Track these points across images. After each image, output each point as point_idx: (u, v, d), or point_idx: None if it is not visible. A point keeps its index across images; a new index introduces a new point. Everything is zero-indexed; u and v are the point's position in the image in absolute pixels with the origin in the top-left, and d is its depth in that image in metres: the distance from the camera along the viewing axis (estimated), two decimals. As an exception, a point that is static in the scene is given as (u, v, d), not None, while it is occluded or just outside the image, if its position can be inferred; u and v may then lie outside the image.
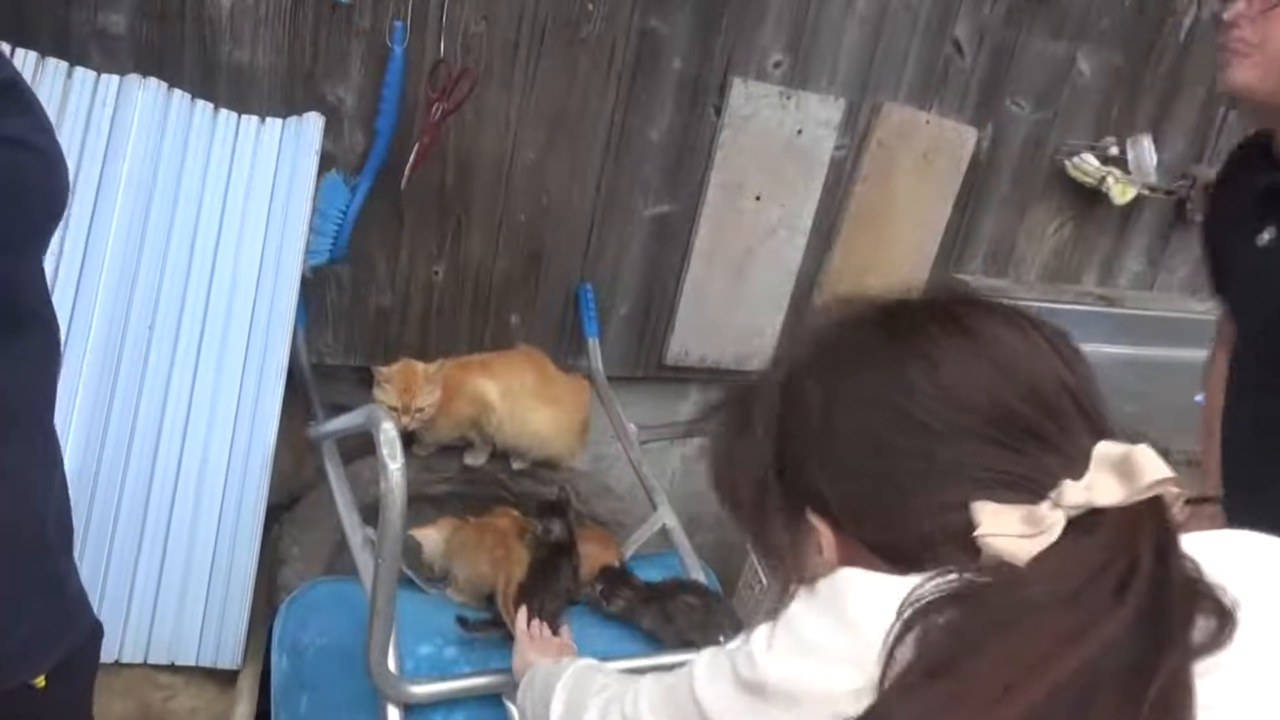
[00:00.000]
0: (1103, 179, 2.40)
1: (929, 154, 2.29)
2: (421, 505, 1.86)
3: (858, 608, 0.60)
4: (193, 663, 1.54)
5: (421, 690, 1.29)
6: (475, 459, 1.90)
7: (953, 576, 0.57)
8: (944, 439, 0.63)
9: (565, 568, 1.52)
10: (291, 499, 1.82)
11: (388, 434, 1.15)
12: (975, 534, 0.59)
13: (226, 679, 1.54)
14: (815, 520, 0.69)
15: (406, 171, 1.84)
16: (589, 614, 1.53)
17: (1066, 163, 2.44)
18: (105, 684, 1.49)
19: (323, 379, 2.03)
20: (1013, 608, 0.55)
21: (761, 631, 0.65)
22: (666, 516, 1.71)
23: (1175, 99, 2.52)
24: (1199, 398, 2.55)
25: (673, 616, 1.46)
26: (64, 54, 1.58)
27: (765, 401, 0.74)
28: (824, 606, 0.62)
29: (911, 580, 0.58)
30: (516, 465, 1.92)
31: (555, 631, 1.48)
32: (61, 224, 1.55)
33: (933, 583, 0.57)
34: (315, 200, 1.77)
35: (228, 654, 1.54)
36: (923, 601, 0.56)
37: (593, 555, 1.60)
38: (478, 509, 1.80)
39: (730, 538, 2.42)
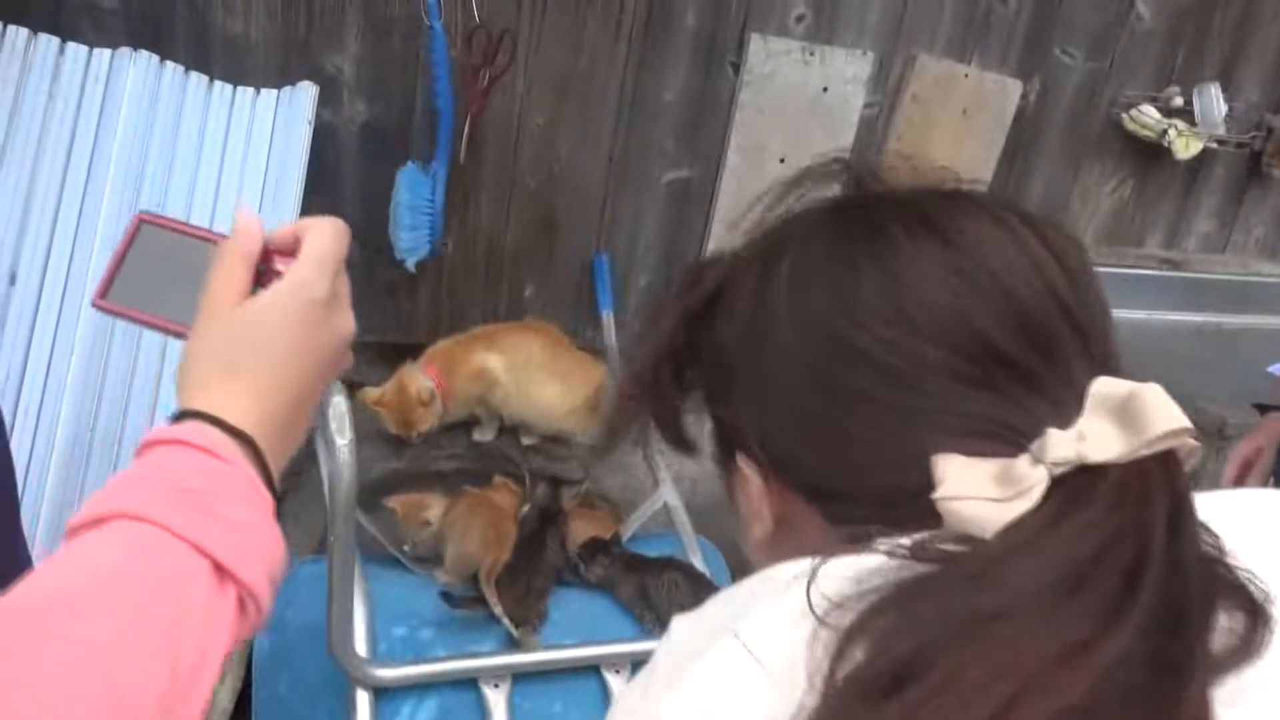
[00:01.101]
0: (1164, 132, 2.22)
1: (969, 110, 2.14)
2: (430, 482, 1.82)
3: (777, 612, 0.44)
4: (186, 639, 1.54)
5: (390, 673, 1.25)
6: (483, 435, 1.86)
7: (903, 558, 0.44)
8: (899, 374, 0.50)
9: (553, 542, 1.46)
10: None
11: (336, 408, 1.09)
12: (934, 495, 0.46)
13: (219, 656, 1.53)
14: (744, 464, 0.56)
15: (463, 146, 1.80)
16: (576, 595, 1.47)
17: (1124, 115, 2.27)
18: (99, 660, 1.50)
19: (335, 354, 2.01)
20: (995, 597, 0.41)
21: (636, 681, 0.48)
22: (668, 495, 1.63)
23: (1247, 43, 2.31)
24: (1274, 367, 2.36)
25: (650, 594, 1.40)
26: (56, 30, 1.57)
27: (689, 305, 0.60)
28: (725, 610, 0.47)
29: (866, 561, 0.44)
30: (526, 441, 1.87)
31: (542, 613, 1.43)
32: (54, 198, 1.57)
33: (877, 566, 0.44)
34: (401, 195, 1.76)
35: (217, 631, 1.53)
36: (873, 596, 0.42)
37: (588, 532, 1.54)
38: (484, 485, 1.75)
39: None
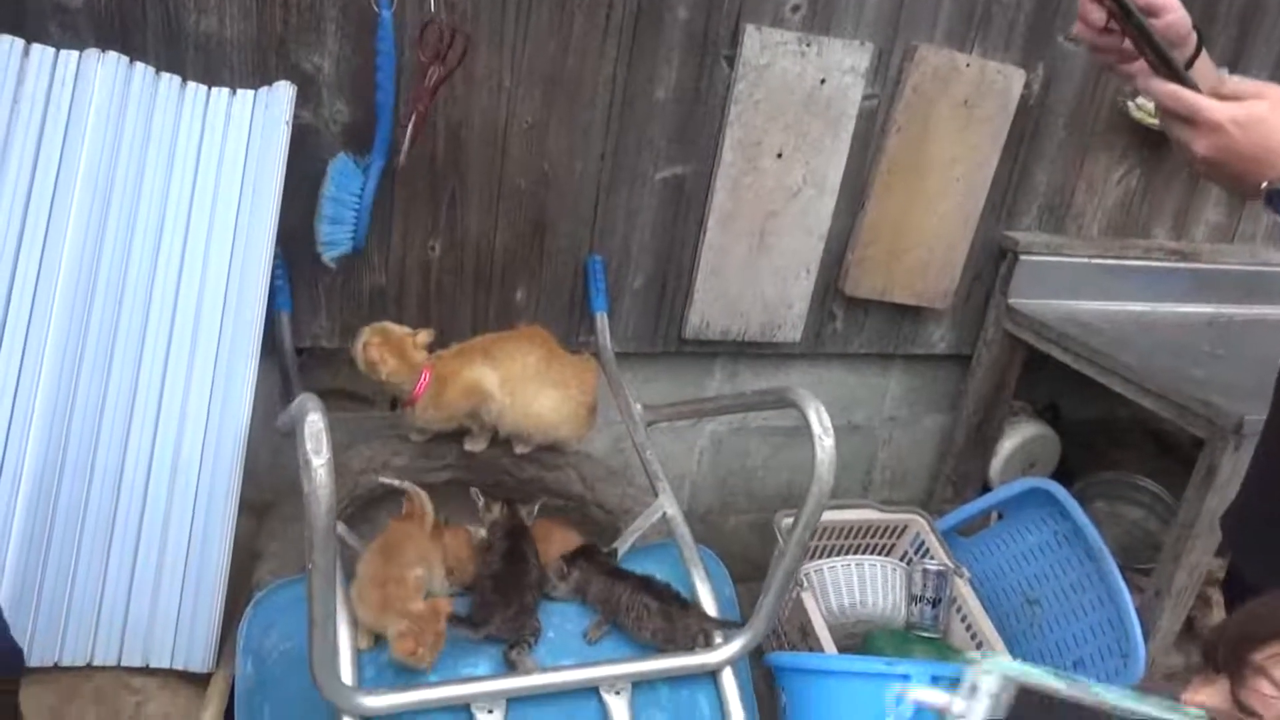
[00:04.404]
0: (1171, 120, 2.16)
1: (971, 100, 2.08)
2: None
3: None
4: (167, 665, 1.47)
5: (377, 702, 1.19)
6: (475, 445, 1.79)
7: None
8: None
9: (530, 554, 1.41)
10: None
11: (313, 426, 1.03)
12: None
13: (202, 682, 1.47)
14: None
15: (405, 144, 1.72)
16: (574, 611, 1.41)
17: (1130, 104, 2.21)
18: (75, 689, 1.44)
19: (321, 363, 1.95)
20: None
21: None
22: (667, 504, 1.57)
23: (1255, 29, 2.25)
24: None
25: (621, 604, 1.35)
26: (20, 31, 1.51)
27: None
28: None
29: None
30: (520, 449, 1.80)
31: (536, 629, 1.37)
32: (20, 209, 1.50)
33: None
34: (328, 187, 1.69)
35: (198, 657, 1.47)
36: None
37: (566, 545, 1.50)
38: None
39: (765, 519, 2.28)
